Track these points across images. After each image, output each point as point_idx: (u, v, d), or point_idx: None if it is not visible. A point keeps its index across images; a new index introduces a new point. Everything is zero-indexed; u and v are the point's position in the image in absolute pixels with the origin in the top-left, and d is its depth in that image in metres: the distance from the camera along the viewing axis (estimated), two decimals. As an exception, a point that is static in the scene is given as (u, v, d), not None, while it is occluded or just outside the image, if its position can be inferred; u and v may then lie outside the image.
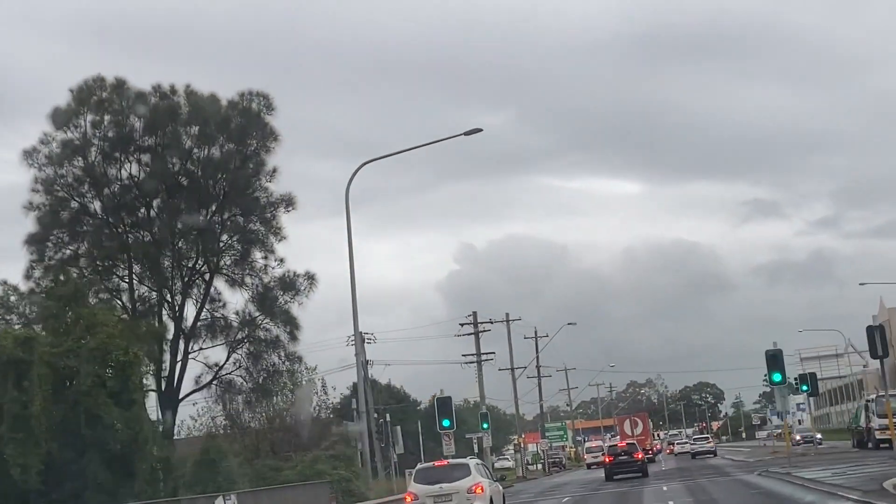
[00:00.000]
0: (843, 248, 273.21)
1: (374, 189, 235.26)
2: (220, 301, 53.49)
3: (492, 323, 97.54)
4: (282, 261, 53.34)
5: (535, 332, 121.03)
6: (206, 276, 52.91)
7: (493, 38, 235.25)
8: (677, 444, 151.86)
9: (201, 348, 53.25)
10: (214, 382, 53.50)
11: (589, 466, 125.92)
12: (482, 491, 34.07)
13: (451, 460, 39.12)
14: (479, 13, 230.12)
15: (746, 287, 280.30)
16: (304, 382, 64.31)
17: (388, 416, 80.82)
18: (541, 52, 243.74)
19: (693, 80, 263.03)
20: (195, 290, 52.84)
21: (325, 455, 53.70)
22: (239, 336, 53.56)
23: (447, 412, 57.59)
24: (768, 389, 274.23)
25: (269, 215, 52.98)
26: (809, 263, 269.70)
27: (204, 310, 53.07)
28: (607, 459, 68.12)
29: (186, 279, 52.51)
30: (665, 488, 50.55)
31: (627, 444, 72.80)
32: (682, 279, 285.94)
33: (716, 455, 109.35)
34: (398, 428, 78.21)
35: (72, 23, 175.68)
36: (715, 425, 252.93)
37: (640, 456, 67.91)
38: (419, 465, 38.01)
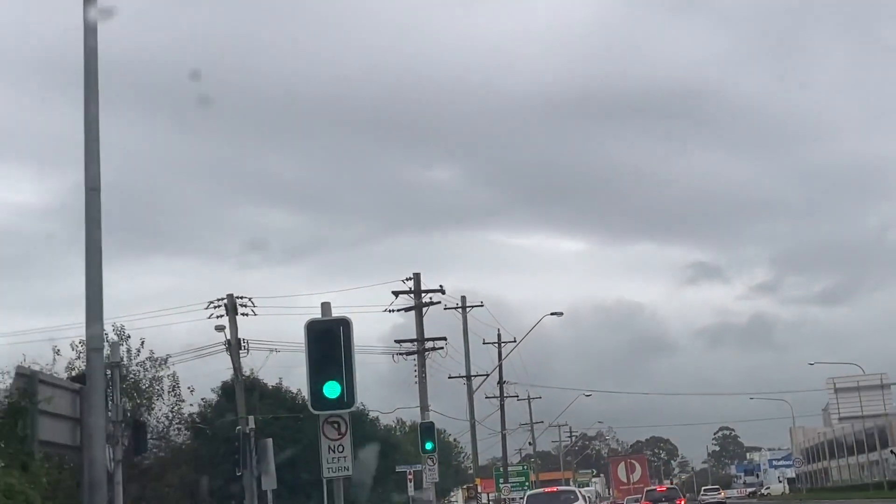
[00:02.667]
0: (783, 314, 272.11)
1: (317, 240, 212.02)
2: None
3: (442, 293, 59.71)
4: None
5: (499, 337, 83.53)
6: None
7: (443, 94, 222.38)
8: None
9: None
10: None
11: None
12: None
13: (559, 487, 45.60)
14: (430, 69, 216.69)
15: (688, 349, 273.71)
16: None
17: (251, 421, 43.13)
18: (490, 110, 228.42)
19: (639, 143, 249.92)
20: None
21: None
22: None
23: (334, 368, 19.31)
24: (717, 448, 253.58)
25: None
26: (750, 328, 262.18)
27: None
28: None
29: None
30: None
31: (668, 488, 68.53)
32: (625, 339, 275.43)
33: None
34: (268, 442, 40.51)
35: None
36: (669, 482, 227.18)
37: (682, 502, 63.45)
38: (528, 492, 43.97)
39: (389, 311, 58.64)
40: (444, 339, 58.63)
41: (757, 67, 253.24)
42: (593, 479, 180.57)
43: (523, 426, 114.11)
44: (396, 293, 58.42)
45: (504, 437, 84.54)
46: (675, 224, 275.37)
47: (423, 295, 58.64)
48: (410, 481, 55.84)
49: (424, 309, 58.60)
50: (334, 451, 19.51)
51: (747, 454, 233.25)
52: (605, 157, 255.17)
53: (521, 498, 56.88)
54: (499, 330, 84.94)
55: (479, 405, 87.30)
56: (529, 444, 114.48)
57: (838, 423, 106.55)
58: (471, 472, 77.76)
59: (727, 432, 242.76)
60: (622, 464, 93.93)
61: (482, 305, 73.52)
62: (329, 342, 18.53)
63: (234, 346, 53.91)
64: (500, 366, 79.87)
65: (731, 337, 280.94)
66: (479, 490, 69.59)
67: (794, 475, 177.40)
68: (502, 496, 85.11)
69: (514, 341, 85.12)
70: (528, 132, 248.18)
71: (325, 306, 19.07)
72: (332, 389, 18.45)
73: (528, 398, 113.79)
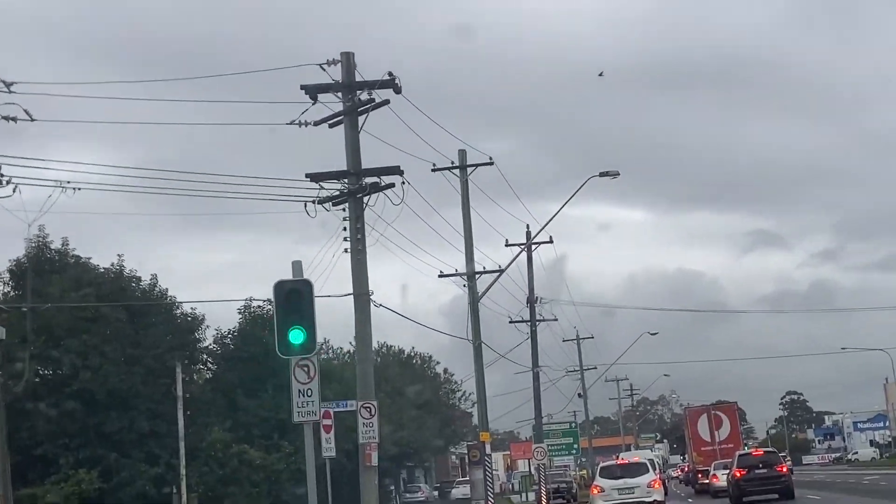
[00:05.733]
0: (845, 281, 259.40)
1: (378, 212, 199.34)
2: None
3: (396, 90, 31.86)
4: None
5: (528, 234, 55.67)
6: None
7: (500, 66, 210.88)
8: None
9: None
10: None
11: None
12: (659, 486, 38.60)
13: (629, 459, 44.63)
14: (487, 42, 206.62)
15: (749, 317, 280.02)
16: None
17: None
18: (546, 81, 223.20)
19: (700, 111, 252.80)
20: None
21: None
22: None
23: (298, 318, 19.12)
24: (785, 413, 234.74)
25: None
26: (811, 295, 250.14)
27: None
28: (738, 473, 47.37)
29: None
30: None
31: (766, 452, 52.52)
32: (684, 307, 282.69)
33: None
34: None
35: None
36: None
37: (784, 469, 48.29)
38: (602, 463, 43.39)
39: (300, 123, 30.72)
40: (397, 169, 30.53)
41: (816, 33, 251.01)
42: (657, 445, 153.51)
43: (570, 373, 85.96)
44: (310, 89, 30.53)
45: (536, 377, 56.35)
46: (735, 192, 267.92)
47: (359, 92, 30.77)
48: (327, 432, 28.36)
49: (362, 117, 30.82)
50: (304, 395, 19.45)
51: (826, 418, 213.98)
52: (664, 127, 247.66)
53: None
54: (528, 226, 57.12)
55: (500, 332, 59.36)
56: (579, 395, 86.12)
57: None
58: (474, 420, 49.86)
59: (795, 397, 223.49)
60: (704, 416, 65.56)
61: (491, 163, 45.85)
62: (294, 299, 19.25)
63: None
64: (531, 266, 52.00)
65: (791, 305, 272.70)
66: (489, 451, 41.66)
67: (890, 438, 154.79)
68: (542, 466, 57.46)
69: (551, 241, 57.40)
70: (585, 103, 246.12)
71: (296, 265, 21.29)
72: (296, 336, 18.95)
73: (577, 337, 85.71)
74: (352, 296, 30.42)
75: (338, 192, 30.55)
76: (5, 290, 33.12)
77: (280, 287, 19.05)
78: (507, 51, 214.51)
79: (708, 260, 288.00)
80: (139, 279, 34.73)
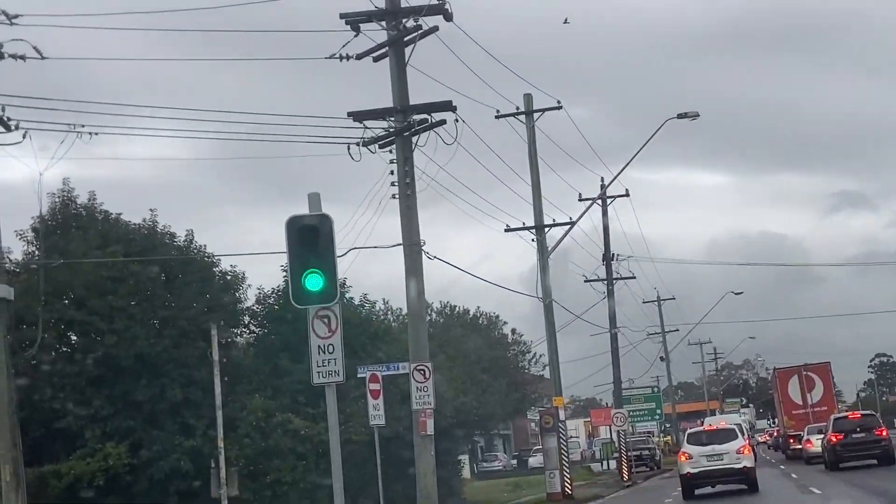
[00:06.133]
0: None
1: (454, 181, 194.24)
2: None
3: (446, 17, 28.63)
4: None
5: (603, 186, 52.28)
6: None
7: (577, 30, 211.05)
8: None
9: None
10: None
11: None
12: (749, 452, 36.92)
13: (717, 424, 43.52)
14: (567, 5, 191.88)
15: (834, 279, 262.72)
16: None
17: None
18: (625, 45, 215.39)
19: (781, 71, 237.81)
20: None
21: None
22: None
23: (316, 261, 15.86)
24: (874, 376, 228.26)
25: None
26: None
27: None
28: (833, 438, 45.00)
29: None
30: None
31: (863, 415, 48.85)
32: (768, 271, 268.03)
33: None
34: None
35: None
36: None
37: (884, 433, 44.97)
38: (689, 429, 41.83)
39: (341, 57, 27.58)
40: (449, 105, 27.23)
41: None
42: (743, 410, 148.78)
43: (651, 336, 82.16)
44: (351, 18, 27.34)
45: (615, 338, 52.88)
46: (818, 153, 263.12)
47: (405, 20, 27.52)
48: (375, 397, 25.32)
49: (408, 49, 27.58)
50: (324, 352, 16.17)
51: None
52: (743, 88, 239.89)
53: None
54: (602, 178, 53.80)
55: (575, 295, 55.99)
56: (661, 359, 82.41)
57: None
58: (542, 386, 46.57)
59: (885, 359, 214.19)
60: (795, 378, 61.42)
61: (560, 107, 42.33)
62: (310, 237, 15.90)
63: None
64: (606, 219, 48.67)
65: (879, 266, 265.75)
66: (562, 416, 38.42)
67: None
68: (622, 432, 54.20)
69: (627, 194, 54.09)
70: (665, 66, 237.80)
71: (314, 198, 16.10)
72: (314, 282, 15.85)
73: (658, 298, 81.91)
74: (401, 246, 27.47)
75: (384, 132, 27.52)
76: (29, 250, 30.60)
77: (293, 224, 15.64)
78: (581, 12, 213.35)
79: (792, 222, 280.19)
80: (173, 235, 31.92)
